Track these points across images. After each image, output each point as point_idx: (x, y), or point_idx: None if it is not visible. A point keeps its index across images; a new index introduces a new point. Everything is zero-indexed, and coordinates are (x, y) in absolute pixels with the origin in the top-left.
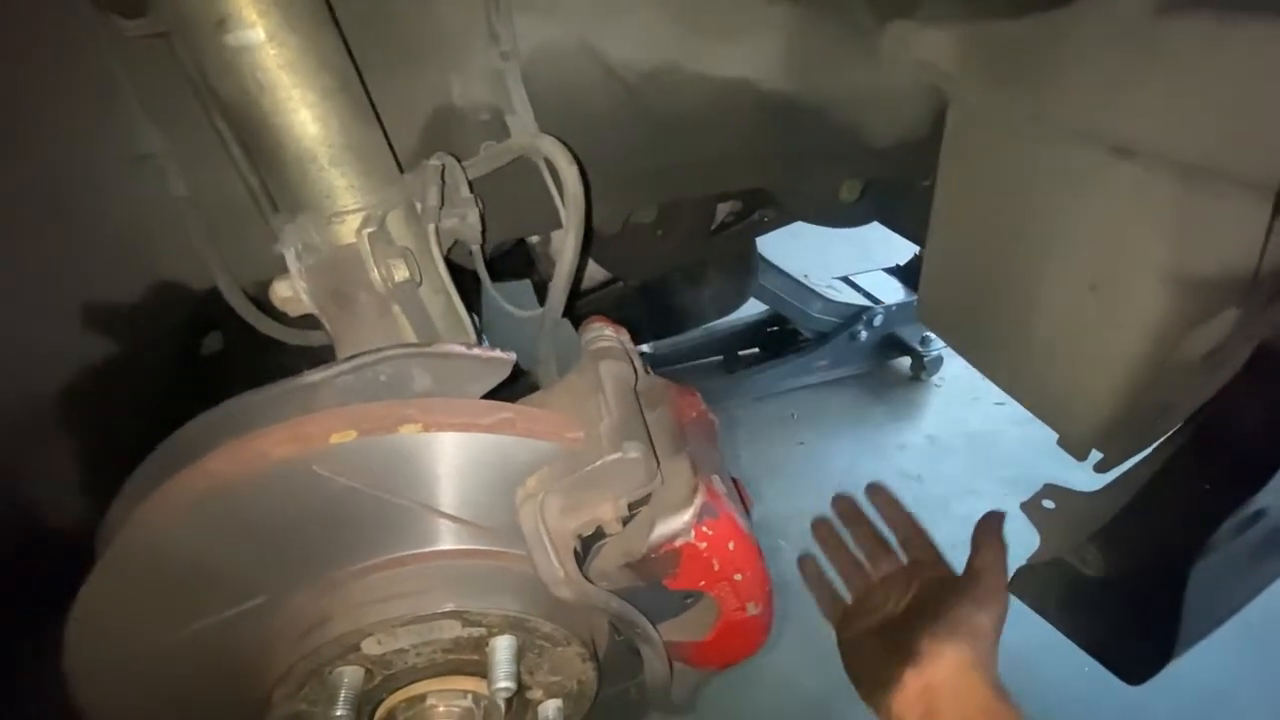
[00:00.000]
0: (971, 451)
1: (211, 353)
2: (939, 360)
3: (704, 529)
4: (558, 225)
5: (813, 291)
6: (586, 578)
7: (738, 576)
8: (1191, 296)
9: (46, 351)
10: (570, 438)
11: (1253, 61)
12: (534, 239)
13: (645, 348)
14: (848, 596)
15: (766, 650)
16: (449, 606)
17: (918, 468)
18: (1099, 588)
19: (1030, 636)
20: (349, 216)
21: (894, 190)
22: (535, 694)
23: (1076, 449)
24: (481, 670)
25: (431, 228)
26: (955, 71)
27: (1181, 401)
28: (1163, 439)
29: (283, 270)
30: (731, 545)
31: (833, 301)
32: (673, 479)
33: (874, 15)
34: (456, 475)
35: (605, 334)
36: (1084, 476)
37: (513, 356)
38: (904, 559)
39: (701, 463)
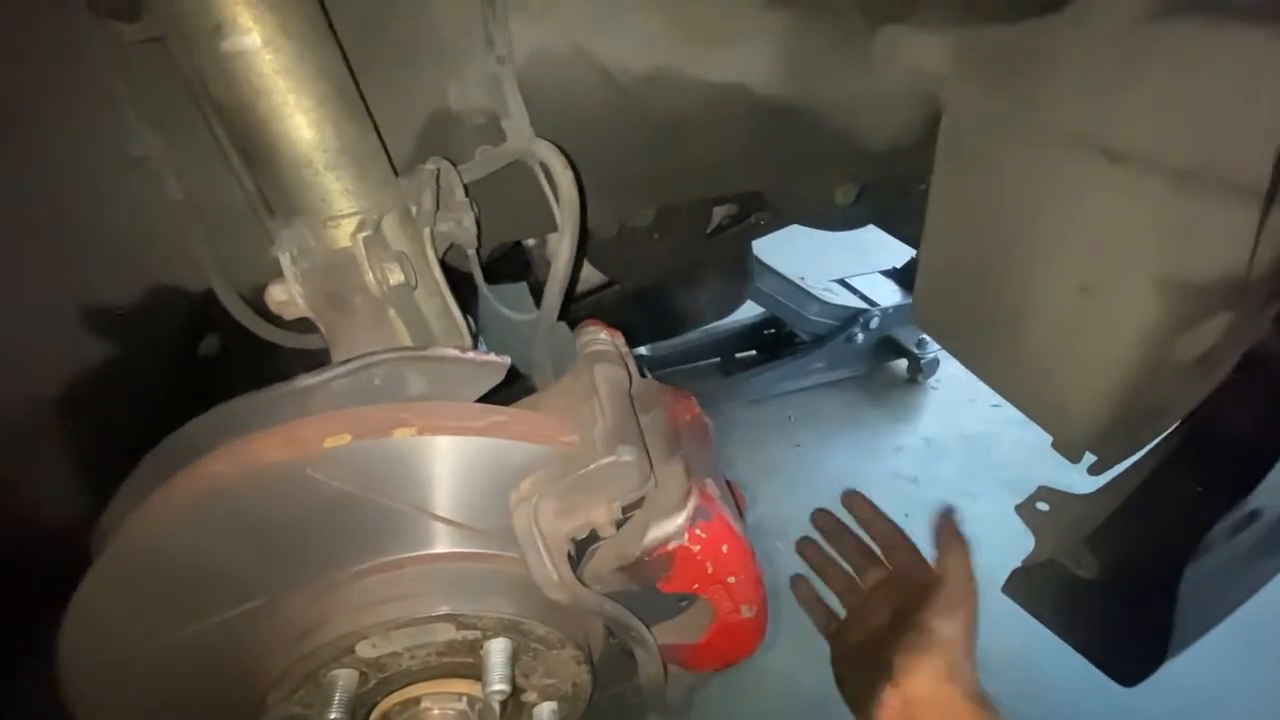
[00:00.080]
0: (968, 454)
1: (209, 355)
2: (935, 362)
3: (697, 532)
4: (553, 229)
5: (809, 294)
6: (580, 581)
7: (731, 579)
8: (1183, 300)
9: (45, 353)
10: (564, 441)
11: (1242, 66)
12: (530, 241)
13: (642, 350)
14: (843, 612)
15: (764, 651)
16: (444, 609)
17: (914, 470)
18: (1093, 589)
19: (1025, 638)
20: (344, 221)
21: (889, 194)
22: (530, 697)
23: (1071, 451)
24: (476, 673)
25: (427, 232)
26: (948, 76)
27: (1174, 404)
28: (1156, 441)
29: (278, 274)
30: (725, 548)
31: (829, 304)
32: (666, 482)
33: (867, 20)
34: (451, 479)
35: (600, 337)
36: (1079, 479)
37: (507, 360)
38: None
39: (696, 466)
